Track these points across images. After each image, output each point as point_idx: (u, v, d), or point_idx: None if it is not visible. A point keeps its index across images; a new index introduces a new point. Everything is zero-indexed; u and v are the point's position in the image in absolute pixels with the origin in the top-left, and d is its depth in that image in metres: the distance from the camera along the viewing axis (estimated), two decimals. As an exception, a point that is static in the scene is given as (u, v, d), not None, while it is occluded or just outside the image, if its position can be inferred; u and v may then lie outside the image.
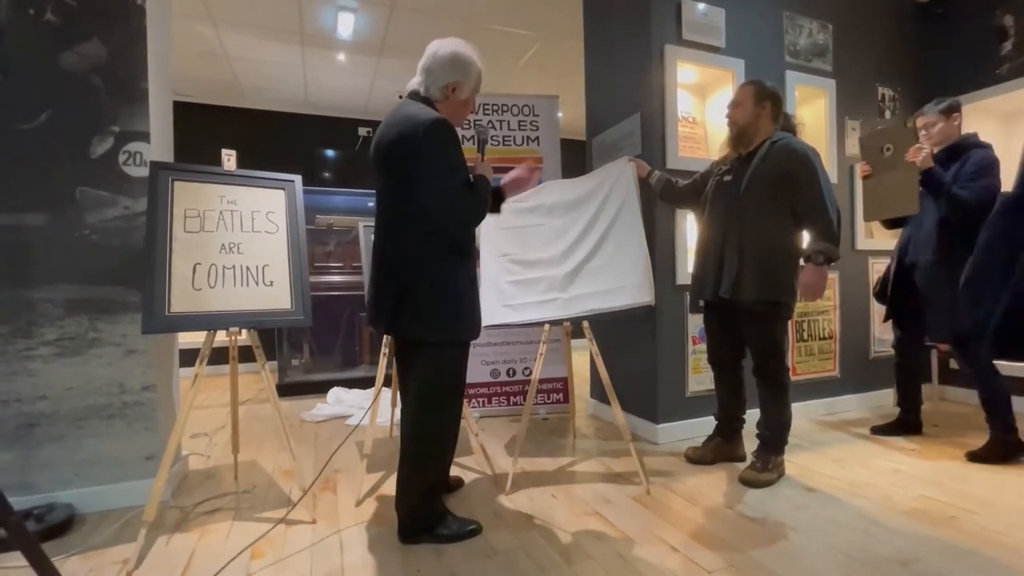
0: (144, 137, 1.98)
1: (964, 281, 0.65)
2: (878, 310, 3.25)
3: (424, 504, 1.64)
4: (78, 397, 1.88)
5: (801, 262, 2.01)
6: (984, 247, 0.62)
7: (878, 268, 3.27)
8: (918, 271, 2.38)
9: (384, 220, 1.60)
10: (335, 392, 3.71)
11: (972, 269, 0.64)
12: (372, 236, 2.52)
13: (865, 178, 2.43)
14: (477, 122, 1.77)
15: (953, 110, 2.31)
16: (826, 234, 1.92)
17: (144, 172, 1.94)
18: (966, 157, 2.23)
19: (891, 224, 2.49)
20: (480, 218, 1.58)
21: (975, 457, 2.24)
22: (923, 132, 2.31)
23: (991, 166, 2.17)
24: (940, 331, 2.33)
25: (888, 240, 3.38)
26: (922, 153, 2.15)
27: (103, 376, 1.91)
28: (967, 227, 2.16)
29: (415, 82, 1.62)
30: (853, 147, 3.18)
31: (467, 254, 1.63)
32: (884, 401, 3.24)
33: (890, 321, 2.62)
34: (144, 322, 1.67)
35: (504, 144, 3.31)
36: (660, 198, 2.45)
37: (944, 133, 2.30)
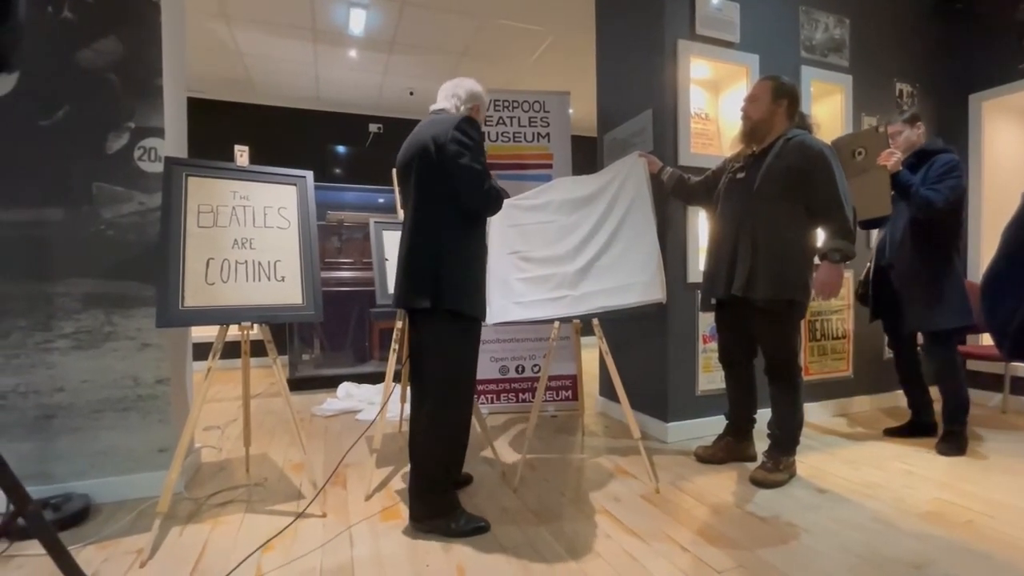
0: (159, 133, 2.00)
1: (984, 282, 0.63)
2: (893, 310, 3.21)
3: (440, 490, 1.68)
4: (94, 389, 1.91)
5: (816, 260, 1.98)
6: (1004, 248, 0.61)
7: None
8: (894, 271, 2.47)
9: (415, 210, 1.72)
10: (345, 387, 3.74)
11: (992, 270, 0.63)
12: (383, 232, 2.54)
13: None
14: None
15: (916, 119, 2.47)
16: (842, 231, 1.89)
17: (159, 168, 1.97)
18: (932, 161, 2.35)
19: (865, 225, 2.55)
20: (499, 204, 1.76)
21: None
22: (891, 140, 2.42)
23: (955, 168, 2.29)
24: (915, 324, 2.43)
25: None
26: (894, 157, 2.26)
27: (118, 369, 1.94)
28: (936, 226, 2.32)
29: (440, 106, 1.82)
30: (869, 144, 3.13)
31: (483, 231, 1.80)
32: (898, 402, 3.19)
33: (880, 322, 2.67)
34: (158, 316, 1.69)
35: (515, 140, 3.30)
36: (671, 194, 2.43)
37: (908, 141, 2.45)
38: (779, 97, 2.01)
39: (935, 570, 1.43)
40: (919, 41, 3.31)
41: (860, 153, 2.29)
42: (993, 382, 3.13)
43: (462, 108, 1.82)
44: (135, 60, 1.96)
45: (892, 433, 2.62)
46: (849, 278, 3.04)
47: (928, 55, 3.34)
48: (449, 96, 1.84)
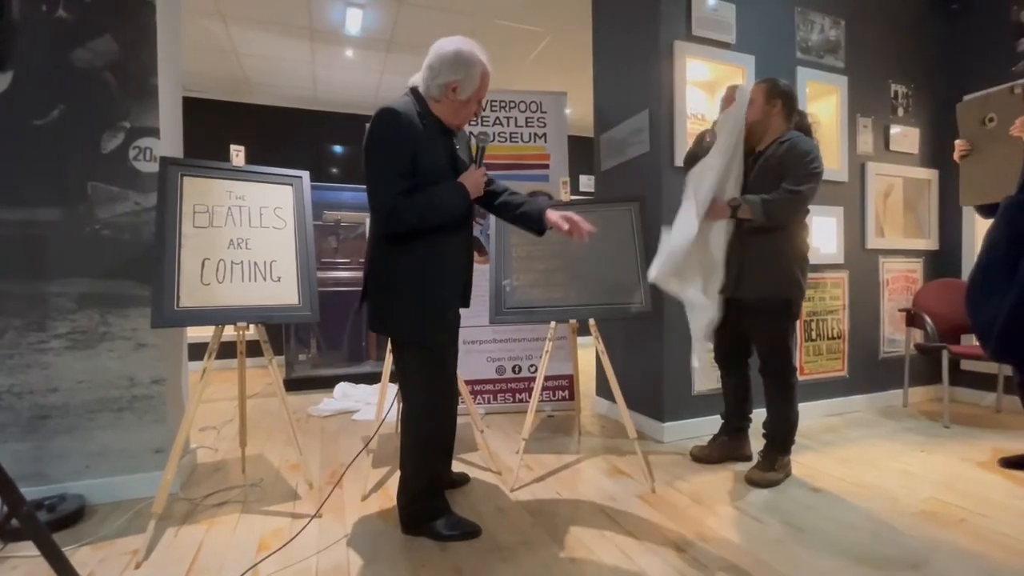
0: (154, 133, 1.99)
1: (967, 287, 0.64)
2: (888, 310, 3.23)
3: (421, 499, 1.65)
4: (89, 390, 1.91)
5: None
6: (988, 251, 0.62)
7: (888, 268, 3.24)
8: None
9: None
10: (342, 387, 3.74)
11: (973, 276, 0.64)
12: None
13: (962, 157, 2.11)
14: (481, 133, 1.70)
15: None
16: (773, 202, 1.87)
17: (154, 167, 1.96)
18: None
19: (991, 211, 2.22)
20: (412, 220, 1.48)
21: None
22: None
23: None
24: None
25: (900, 239, 3.35)
26: None
27: (113, 369, 1.93)
28: None
29: (416, 78, 1.60)
30: (865, 144, 3.14)
31: (419, 248, 1.52)
32: (893, 402, 3.21)
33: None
34: (153, 316, 1.69)
35: (511, 141, 3.30)
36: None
37: None
38: (772, 99, 2.02)
39: (930, 570, 1.44)
40: (914, 42, 3.32)
41: (991, 120, 1.90)
42: (987, 382, 3.14)
43: (433, 87, 1.52)
44: (130, 59, 1.96)
45: (1010, 465, 2.14)
46: (843, 279, 3.05)
47: (923, 56, 3.35)
48: (425, 67, 1.53)
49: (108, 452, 1.92)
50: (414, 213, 1.47)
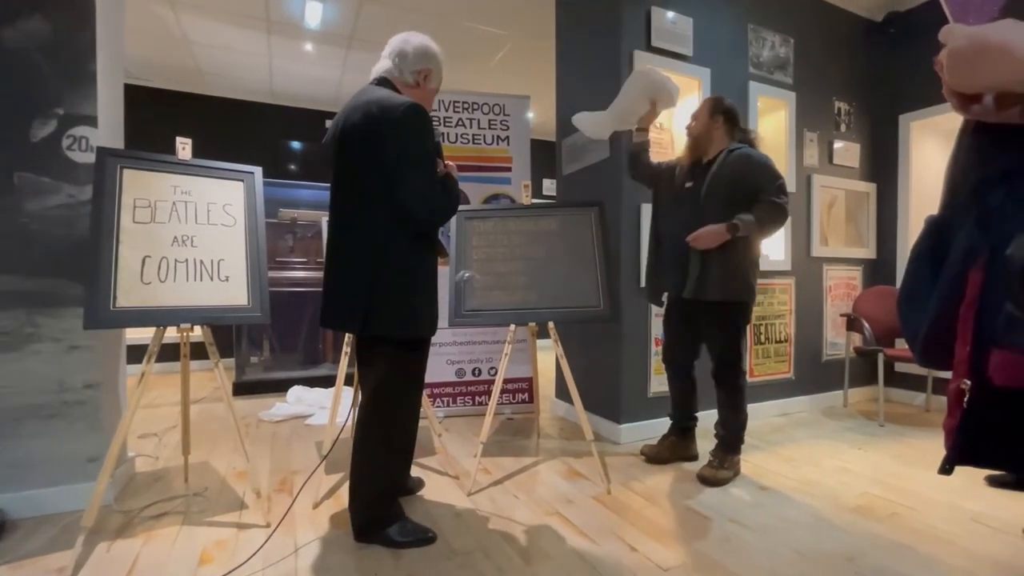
0: (91, 121, 1.87)
1: (899, 295, 0.69)
2: (831, 315, 3.40)
3: (376, 505, 1.61)
4: (13, 395, 1.77)
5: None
6: (912, 265, 0.67)
7: (831, 275, 3.42)
8: None
9: (349, 209, 1.54)
10: (295, 391, 3.62)
11: (904, 285, 0.69)
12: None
13: None
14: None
15: None
16: (764, 213, 1.98)
17: (90, 158, 1.84)
18: None
19: None
20: (454, 211, 1.61)
21: None
22: None
23: None
24: None
25: (842, 248, 3.53)
26: None
27: (41, 373, 1.80)
28: None
29: (382, 68, 1.61)
30: (811, 157, 3.31)
31: (434, 246, 1.64)
32: (834, 402, 3.38)
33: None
34: (86, 317, 1.58)
35: (474, 143, 3.30)
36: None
37: None
38: (715, 114, 2.13)
39: (865, 562, 1.52)
40: (857, 62, 3.52)
41: None
42: (918, 383, 3.36)
43: (407, 72, 1.58)
44: (65, 41, 1.83)
45: (999, 484, 2.05)
46: (791, 285, 3.19)
47: (864, 76, 3.56)
48: (394, 55, 1.58)
49: (34, 462, 1.79)
50: (455, 203, 1.58)
